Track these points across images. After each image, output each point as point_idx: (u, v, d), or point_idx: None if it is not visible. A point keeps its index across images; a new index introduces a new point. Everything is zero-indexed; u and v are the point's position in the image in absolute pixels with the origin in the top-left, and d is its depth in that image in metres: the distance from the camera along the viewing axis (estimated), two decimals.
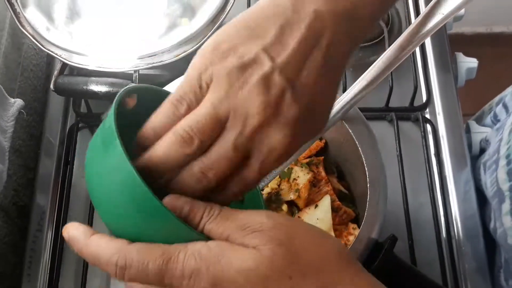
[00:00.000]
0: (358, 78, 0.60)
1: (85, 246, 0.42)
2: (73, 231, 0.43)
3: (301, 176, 0.70)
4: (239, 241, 0.40)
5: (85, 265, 0.77)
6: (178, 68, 0.73)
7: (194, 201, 0.43)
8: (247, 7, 0.93)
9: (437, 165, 0.84)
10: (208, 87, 0.43)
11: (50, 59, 0.97)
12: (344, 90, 0.71)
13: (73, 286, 0.78)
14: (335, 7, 0.44)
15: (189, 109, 0.43)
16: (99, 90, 0.78)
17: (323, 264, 0.41)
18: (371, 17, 0.46)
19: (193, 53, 0.79)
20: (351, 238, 0.67)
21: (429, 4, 0.55)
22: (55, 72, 0.81)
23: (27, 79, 0.91)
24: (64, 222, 0.81)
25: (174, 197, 0.43)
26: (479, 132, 0.90)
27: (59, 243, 0.80)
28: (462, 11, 0.94)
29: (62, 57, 0.79)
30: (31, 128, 0.90)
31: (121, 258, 0.40)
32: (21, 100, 0.76)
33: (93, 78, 0.78)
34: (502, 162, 0.73)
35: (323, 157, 0.73)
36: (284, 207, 0.70)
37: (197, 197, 0.43)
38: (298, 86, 0.43)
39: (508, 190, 0.72)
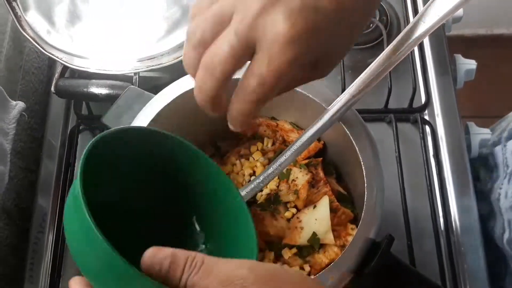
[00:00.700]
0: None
1: None
2: None
3: (300, 177, 0.70)
4: None
5: None
6: (177, 70, 0.73)
7: (175, 252, 0.42)
8: None
9: (436, 167, 0.84)
10: None
11: (51, 62, 0.97)
12: (343, 91, 0.71)
13: None
14: None
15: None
16: (99, 92, 0.79)
17: None
18: None
19: None
20: (350, 238, 0.67)
21: (425, 6, 0.56)
22: (56, 75, 0.82)
23: (28, 82, 0.91)
24: None
25: (153, 252, 0.43)
26: (478, 133, 0.90)
27: (61, 245, 0.80)
28: (461, 12, 0.94)
29: (62, 60, 0.80)
30: (33, 130, 0.91)
31: None
32: (23, 103, 0.77)
33: (94, 81, 0.79)
34: None
35: (321, 158, 0.73)
36: (283, 210, 0.70)
37: (216, 103, 0.46)
38: None
39: None
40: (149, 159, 0.56)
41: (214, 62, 0.44)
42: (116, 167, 0.51)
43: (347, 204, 0.71)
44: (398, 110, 0.88)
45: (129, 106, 0.69)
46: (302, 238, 0.68)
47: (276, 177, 0.71)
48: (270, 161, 0.72)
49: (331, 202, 0.68)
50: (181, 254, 0.42)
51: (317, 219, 0.68)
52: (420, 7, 0.97)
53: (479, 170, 0.88)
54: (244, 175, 0.74)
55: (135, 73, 0.80)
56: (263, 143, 0.76)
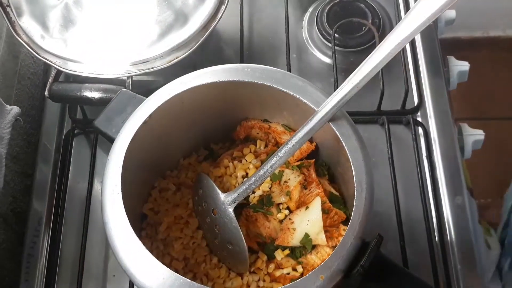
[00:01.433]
0: None
1: None
2: None
3: (292, 179, 0.71)
4: None
5: (81, 269, 0.77)
6: (170, 73, 0.74)
7: None
8: (240, 14, 0.95)
9: (428, 168, 0.84)
10: None
11: (47, 67, 0.98)
12: None
13: None
14: None
15: None
16: (92, 96, 0.79)
17: None
18: None
19: (185, 59, 0.81)
20: None
21: (412, 6, 0.57)
22: (50, 79, 0.82)
23: (24, 86, 0.92)
24: (60, 227, 0.82)
25: None
26: (471, 134, 0.90)
27: (56, 248, 0.81)
28: (453, 14, 0.95)
29: (56, 64, 0.81)
30: (29, 135, 0.91)
31: None
32: (18, 108, 0.77)
33: (87, 85, 0.80)
34: None
35: (314, 159, 0.73)
36: (276, 211, 0.70)
37: None
38: None
39: None
40: None
41: None
42: None
43: (339, 205, 0.71)
44: (391, 112, 0.89)
45: (121, 109, 0.69)
46: (295, 239, 0.68)
47: (269, 179, 0.71)
48: (263, 163, 0.72)
49: (323, 203, 0.69)
50: None
51: (309, 220, 0.68)
52: None
53: None
54: (237, 177, 0.74)
55: (128, 77, 0.80)
56: (255, 145, 0.76)
